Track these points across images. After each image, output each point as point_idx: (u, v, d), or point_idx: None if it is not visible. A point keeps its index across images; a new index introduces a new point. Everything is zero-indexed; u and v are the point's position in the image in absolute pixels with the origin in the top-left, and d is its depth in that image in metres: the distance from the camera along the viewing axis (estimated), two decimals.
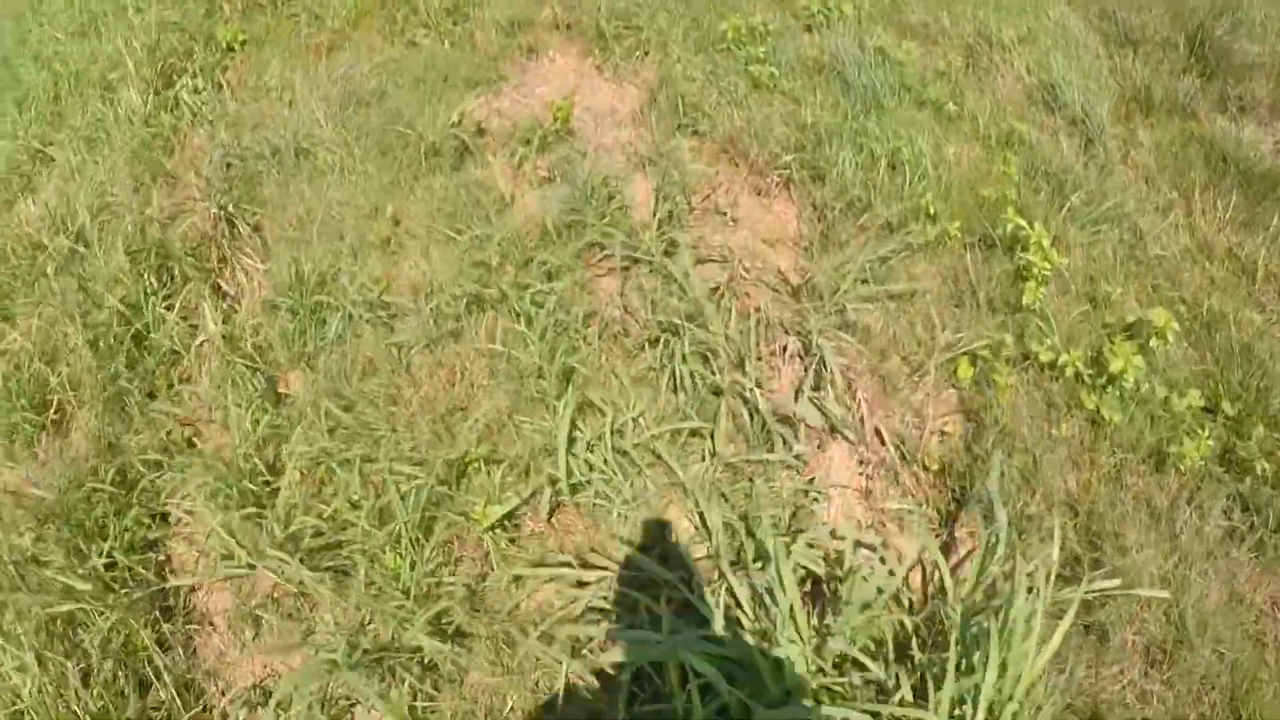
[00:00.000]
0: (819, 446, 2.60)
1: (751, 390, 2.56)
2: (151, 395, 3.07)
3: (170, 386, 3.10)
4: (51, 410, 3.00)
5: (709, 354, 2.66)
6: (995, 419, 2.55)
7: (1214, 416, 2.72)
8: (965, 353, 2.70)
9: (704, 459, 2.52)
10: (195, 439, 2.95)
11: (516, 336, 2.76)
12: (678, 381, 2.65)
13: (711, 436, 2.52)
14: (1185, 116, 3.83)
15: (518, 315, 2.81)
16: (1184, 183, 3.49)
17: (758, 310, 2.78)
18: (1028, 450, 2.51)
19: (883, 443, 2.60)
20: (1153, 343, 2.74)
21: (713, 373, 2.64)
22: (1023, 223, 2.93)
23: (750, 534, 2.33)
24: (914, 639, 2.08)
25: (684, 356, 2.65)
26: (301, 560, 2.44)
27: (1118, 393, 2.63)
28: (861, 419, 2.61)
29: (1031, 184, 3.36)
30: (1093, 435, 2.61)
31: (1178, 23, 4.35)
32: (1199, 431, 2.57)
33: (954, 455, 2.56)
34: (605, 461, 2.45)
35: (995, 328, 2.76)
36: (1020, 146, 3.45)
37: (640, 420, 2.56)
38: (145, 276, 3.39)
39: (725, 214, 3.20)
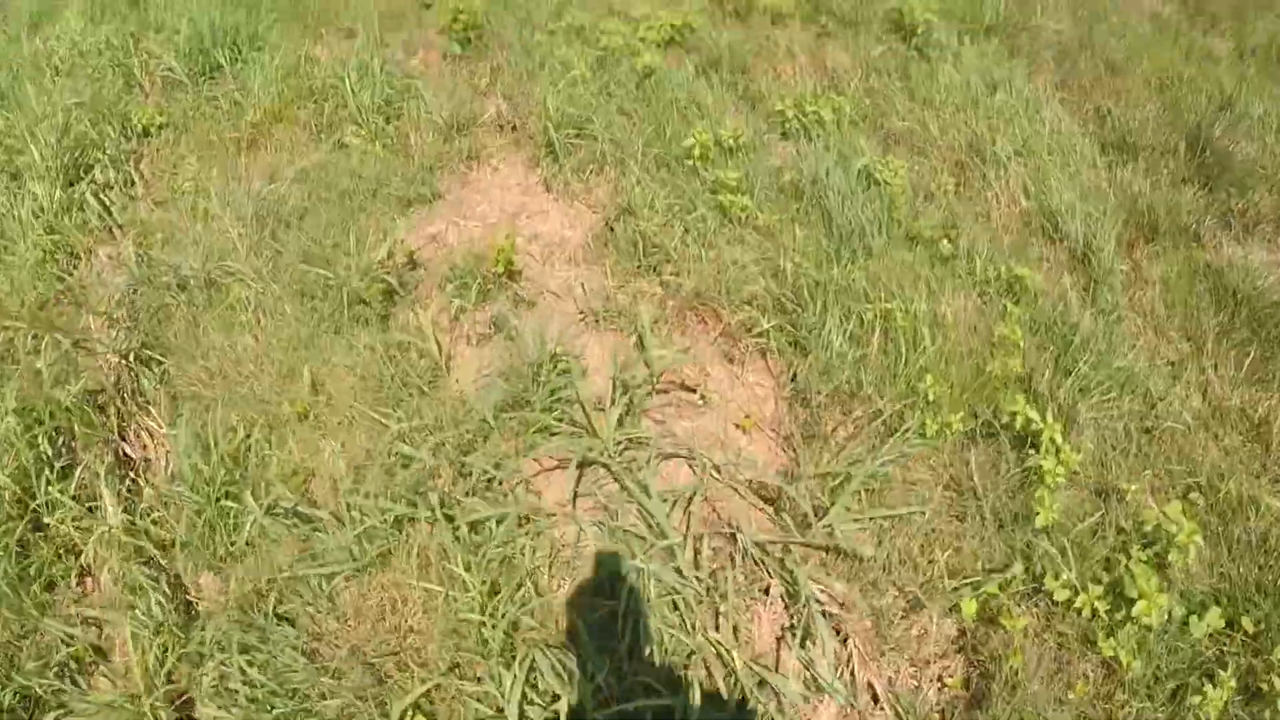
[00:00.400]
0: (805, 701, 2.27)
1: (728, 651, 2.22)
2: (51, 585, 2.76)
3: (68, 579, 2.76)
4: None
5: (678, 604, 2.30)
6: (1005, 677, 2.24)
7: (1233, 632, 2.47)
8: (969, 585, 2.38)
9: None
10: (100, 651, 2.62)
11: (454, 573, 2.37)
12: (642, 633, 2.29)
13: (685, 709, 2.18)
14: (1190, 241, 3.53)
15: (455, 540, 2.43)
16: (1194, 329, 3.20)
17: (733, 539, 2.42)
18: (1038, 714, 2.20)
19: (876, 701, 2.28)
20: (1171, 555, 2.45)
21: (682, 621, 2.29)
22: (1034, 415, 2.60)
23: None
24: None
25: (649, 603, 2.29)
26: None
27: (1136, 629, 2.34)
28: (853, 672, 2.28)
29: (1035, 338, 3.03)
30: (1107, 681, 2.31)
31: (1176, 121, 4.05)
32: (1219, 671, 2.30)
33: (957, 717, 2.25)
34: None
35: (1003, 553, 2.43)
36: (1023, 294, 3.10)
37: (601, 687, 2.21)
38: (40, 443, 2.97)
39: (694, 390, 2.83)
